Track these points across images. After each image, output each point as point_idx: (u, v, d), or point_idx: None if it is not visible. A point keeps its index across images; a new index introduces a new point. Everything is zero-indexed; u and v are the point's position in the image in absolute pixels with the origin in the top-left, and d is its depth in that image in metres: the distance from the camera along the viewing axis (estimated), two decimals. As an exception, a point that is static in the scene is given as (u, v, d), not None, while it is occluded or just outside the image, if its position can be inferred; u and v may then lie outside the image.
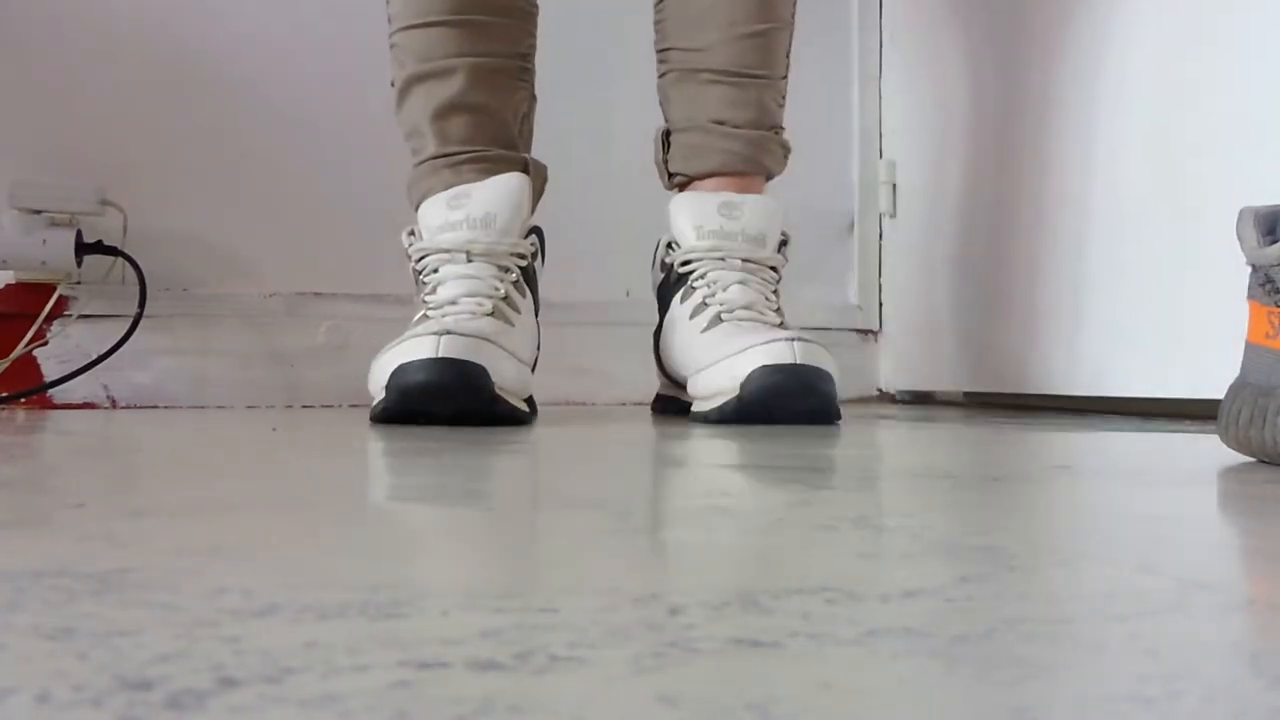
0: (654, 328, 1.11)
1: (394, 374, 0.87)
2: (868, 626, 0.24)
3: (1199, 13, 1.06)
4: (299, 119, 1.36)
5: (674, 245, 1.07)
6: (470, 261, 0.97)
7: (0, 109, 1.27)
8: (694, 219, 1.04)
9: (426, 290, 0.98)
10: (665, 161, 1.14)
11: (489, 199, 0.99)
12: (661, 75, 1.16)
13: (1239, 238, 0.62)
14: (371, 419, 0.91)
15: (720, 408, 0.93)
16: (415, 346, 0.87)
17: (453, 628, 0.23)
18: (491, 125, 1.05)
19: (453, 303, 0.95)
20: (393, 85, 1.08)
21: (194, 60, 1.33)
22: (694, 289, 1.03)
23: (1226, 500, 0.50)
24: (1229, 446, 0.62)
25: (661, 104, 1.15)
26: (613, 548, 0.35)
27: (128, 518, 0.40)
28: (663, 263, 1.08)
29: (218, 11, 1.34)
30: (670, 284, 1.07)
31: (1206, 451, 0.69)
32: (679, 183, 1.14)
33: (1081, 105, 1.21)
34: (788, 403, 0.91)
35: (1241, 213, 0.62)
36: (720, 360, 0.95)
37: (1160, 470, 0.62)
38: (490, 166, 1.03)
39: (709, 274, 1.02)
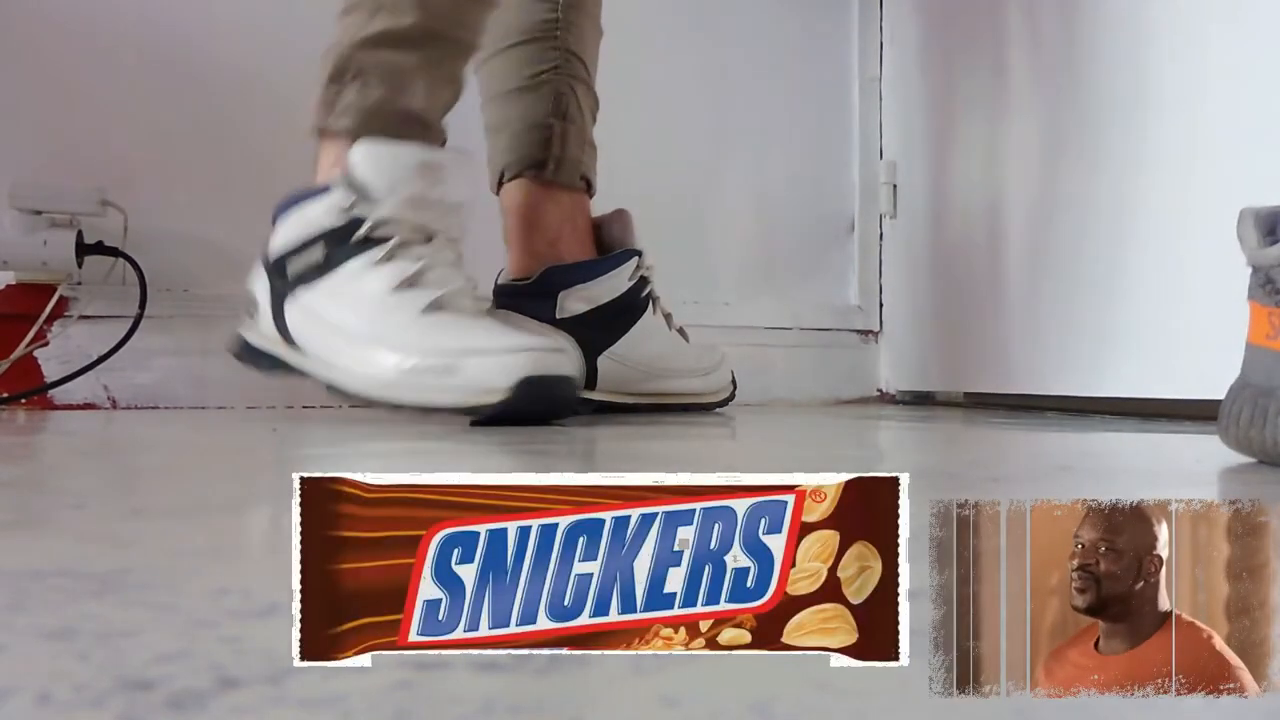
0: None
1: (527, 383, 0.86)
2: (868, 627, 0.24)
3: (1198, 12, 1.06)
4: (299, 120, 1.36)
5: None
6: (444, 251, 0.95)
7: (0, 109, 1.27)
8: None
9: (406, 258, 0.92)
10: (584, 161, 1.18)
11: (460, 189, 0.96)
12: (574, 76, 1.19)
13: (1239, 238, 0.62)
14: (478, 420, 0.89)
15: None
16: (547, 360, 0.88)
17: (453, 628, 0.23)
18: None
19: (459, 293, 0.93)
20: None
21: (195, 61, 1.33)
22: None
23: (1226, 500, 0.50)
24: (1229, 446, 0.62)
25: (562, 96, 1.17)
26: (613, 548, 0.35)
27: (128, 518, 0.40)
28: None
29: (218, 12, 1.34)
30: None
31: (1206, 451, 0.69)
32: (580, 187, 1.18)
33: (1081, 105, 1.21)
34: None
35: (1242, 213, 0.62)
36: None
37: (1160, 470, 0.62)
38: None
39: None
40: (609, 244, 1.17)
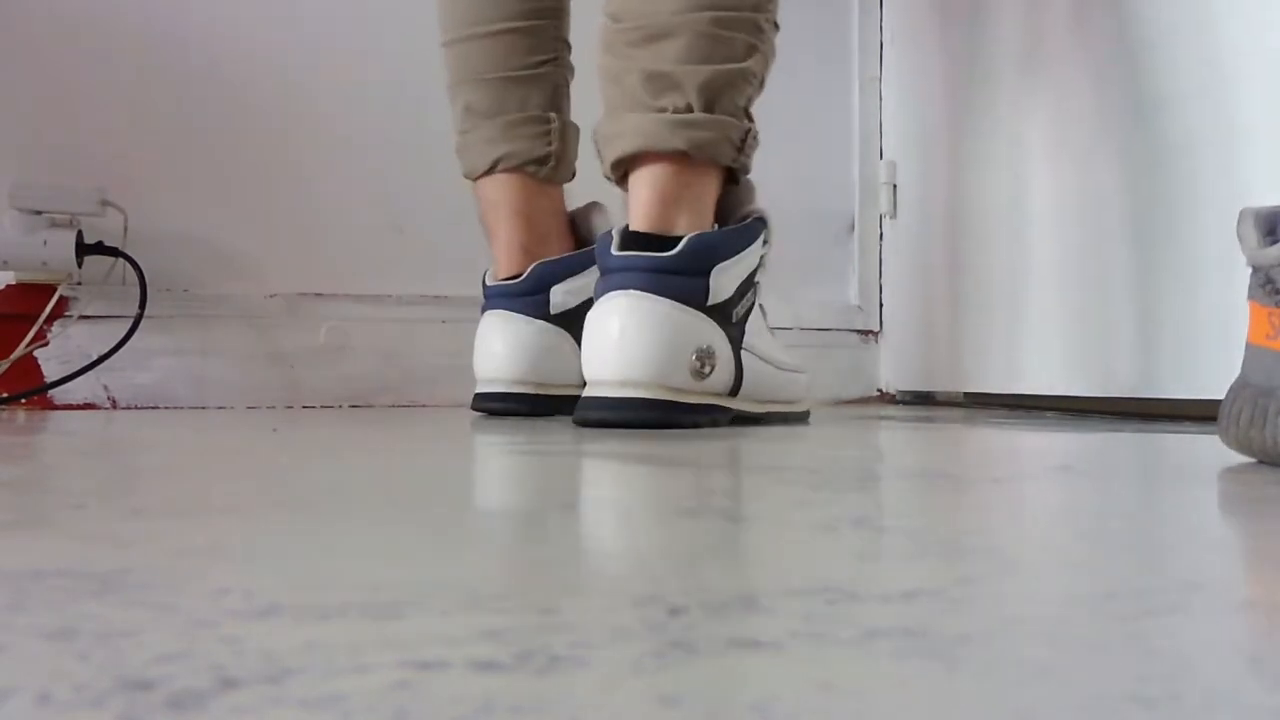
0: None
1: None
2: (868, 626, 0.24)
3: (1199, 12, 1.06)
4: (299, 120, 1.36)
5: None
6: None
7: (1, 109, 1.27)
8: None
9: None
10: None
11: None
12: (567, 68, 1.19)
13: (1239, 238, 0.62)
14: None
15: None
16: None
17: (453, 628, 0.23)
18: None
19: None
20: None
21: (195, 61, 1.33)
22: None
23: (1226, 500, 0.50)
24: (1229, 447, 0.62)
25: (560, 89, 1.17)
26: (613, 548, 0.35)
27: (128, 518, 0.40)
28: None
29: (218, 13, 1.34)
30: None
31: (1206, 451, 0.69)
32: None
33: (1082, 104, 1.21)
34: None
35: (1242, 213, 0.62)
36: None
37: (1160, 470, 0.62)
38: None
39: None
40: (585, 236, 1.15)
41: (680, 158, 0.92)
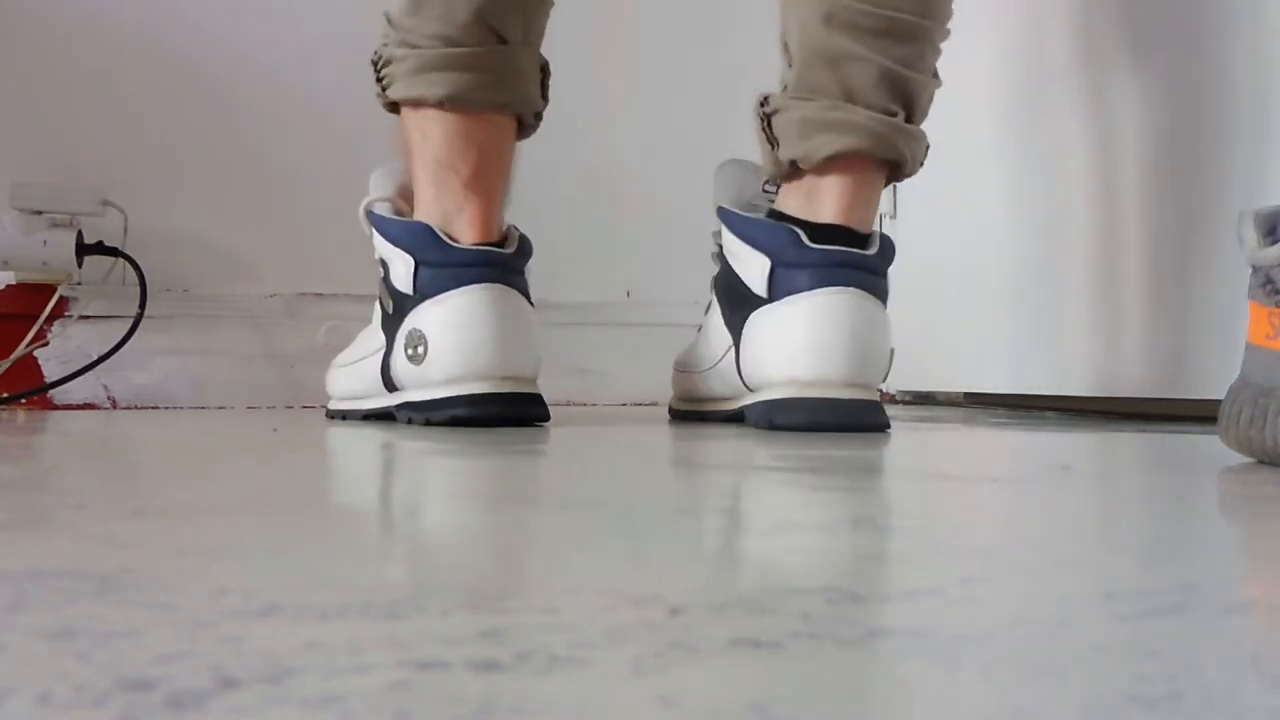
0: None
1: None
2: (868, 626, 0.24)
3: (1198, 13, 1.06)
4: (299, 119, 1.36)
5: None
6: None
7: (0, 109, 1.27)
8: None
9: None
10: None
11: None
12: None
13: (1239, 238, 0.62)
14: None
15: None
16: None
17: (453, 628, 0.23)
18: None
19: None
20: None
21: (195, 61, 1.33)
22: None
23: (1226, 500, 0.50)
24: (1229, 447, 0.62)
25: None
26: (613, 548, 0.35)
27: (128, 518, 0.40)
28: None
29: (218, 13, 1.34)
30: None
31: (1206, 451, 0.69)
32: None
33: (1081, 104, 1.21)
34: None
35: (1242, 213, 0.62)
36: None
37: (1160, 470, 0.62)
38: None
39: None
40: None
41: (887, 163, 0.90)
